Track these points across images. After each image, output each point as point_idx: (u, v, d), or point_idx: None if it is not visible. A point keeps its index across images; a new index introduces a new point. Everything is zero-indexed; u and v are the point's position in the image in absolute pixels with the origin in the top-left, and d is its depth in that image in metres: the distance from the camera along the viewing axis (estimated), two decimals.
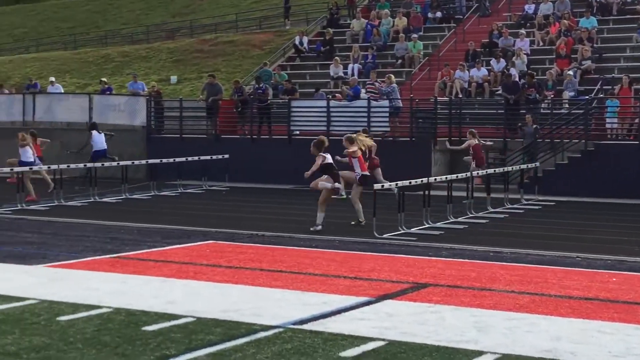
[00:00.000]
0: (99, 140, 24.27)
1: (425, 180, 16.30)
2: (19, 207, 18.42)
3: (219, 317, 8.17)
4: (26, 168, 20.18)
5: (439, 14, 32.13)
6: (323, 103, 25.52)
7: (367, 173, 16.02)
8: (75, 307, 8.52)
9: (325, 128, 24.82)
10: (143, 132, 28.15)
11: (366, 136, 16.56)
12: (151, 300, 8.97)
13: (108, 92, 30.73)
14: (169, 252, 12.65)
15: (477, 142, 20.83)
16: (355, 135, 16.13)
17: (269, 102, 26.93)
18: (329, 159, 15.40)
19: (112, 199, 20.59)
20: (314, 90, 27.55)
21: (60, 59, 44.05)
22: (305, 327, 7.81)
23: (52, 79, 33.05)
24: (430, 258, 12.26)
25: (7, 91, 33.67)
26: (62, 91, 32.27)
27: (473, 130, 21.29)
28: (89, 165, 22.03)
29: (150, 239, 13.98)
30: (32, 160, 21.14)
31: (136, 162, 24.10)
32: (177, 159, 23.51)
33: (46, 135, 29.48)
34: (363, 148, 16.07)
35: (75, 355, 6.73)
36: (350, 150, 15.67)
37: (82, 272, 10.76)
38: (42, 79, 36.97)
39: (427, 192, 15.75)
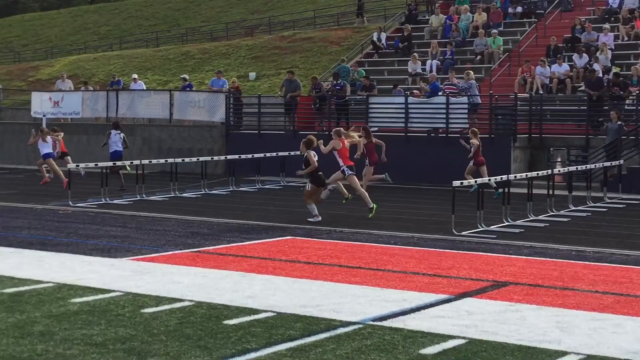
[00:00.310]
0: (114, 140, 23.11)
1: (504, 177, 16.14)
2: (103, 202, 18.83)
3: (298, 312, 8.22)
4: (109, 163, 20.66)
5: (519, 9, 31.67)
6: (401, 99, 25.42)
7: (350, 164, 16.52)
8: (159, 300, 8.68)
9: (403, 125, 24.74)
10: (222, 128, 28.48)
11: (359, 135, 17.73)
12: (231, 294, 9.08)
13: (188, 89, 31.16)
14: (247, 247, 12.78)
15: (478, 142, 20.40)
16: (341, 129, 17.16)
17: (346, 98, 26.96)
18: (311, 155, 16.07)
19: (192, 194, 20.89)
20: (392, 86, 27.46)
21: (142, 57, 44.86)
22: (385, 323, 7.81)
23: (135, 76, 33.69)
24: (510, 256, 12.11)
25: (91, 88, 34.45)
26: (144, 88, 32.86)
27: (475, 129, 21.09)
28: (170, 160, 22.38)
29: (229, 234, 14.14)
30: (52, 152, 22.94)
31: (215, 157, 24.41)
32: (256, 155, 23.71)
33: (128, 131, 30.13)
34: (348, 143, 16.72)
35: (159, 347, 6.85)
36: (328, 145, 16.49)
37: (164, 265, 10.95)
38: (124, 76, 37.73)
39: (506, 190, 15.58)
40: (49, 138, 23.15)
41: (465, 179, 18.52)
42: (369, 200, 16.30)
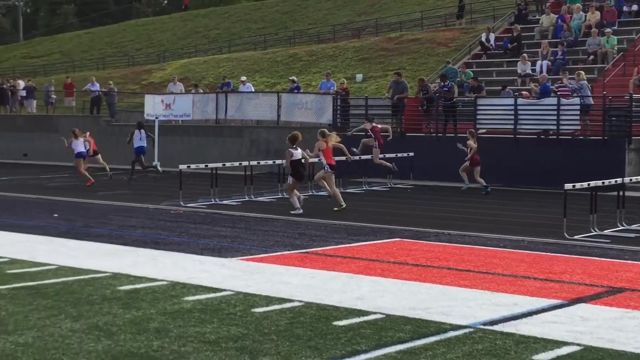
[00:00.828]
0: (137, 138, 26.32)
1: (619, 180, 15.68)
2: (213, 202, 19.18)
3: (407, 314, 8.18)
4: (219, 164, 21.02)
5: (635, 7, 30.72)
6: (510, 101, 25.00)
7: (332, 163, 18.32)
8: (269, 300, 8.78)
9: (512, 126, 24.34)
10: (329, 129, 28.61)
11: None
12: (340, 295, 9.11)
13: (296, 91, 31.45)
14: (355, 249, 12.80)
15: (475, 145, 21.48)
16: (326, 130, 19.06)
17: (454, 100, 26.70)
18: (297, 155, 17.74)
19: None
20: (500, 87, 27.04)
21: (250, 59, 45.51)
22: (496, 327, 7.69)
23: (243, 78, 34.22)
24: (625, 262, 11.76)
25: (201, 90, 35.17)
26: (253, 90, 33.33)
27: (472, 130, 22.27)
28: (277, 162, 22.62)
29: (337, 236, 14.19)
30: (84, 151, 25.18)
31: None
32: (363, 157, 23.73)
33: (236, 132, 30.62)
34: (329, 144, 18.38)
35: (270, 346, 6.93)
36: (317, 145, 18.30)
37: (273, 266, 11.07)
38: (234, 78, 38.34)
39: (621, 193, 15.13)
40: (80, 139, 25.13)
41: (460, 175, 21.82)
42: (340, 199, 17.93)
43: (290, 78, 33.49)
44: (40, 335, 7.12)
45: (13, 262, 10.94)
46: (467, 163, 21.56)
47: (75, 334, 7.20)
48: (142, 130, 26.55)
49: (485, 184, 21.37)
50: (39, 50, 71.12)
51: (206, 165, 21.56)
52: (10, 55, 71.64)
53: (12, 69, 61.14)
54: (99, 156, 26.48)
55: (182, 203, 18.78)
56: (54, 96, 39.70)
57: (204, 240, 13.51)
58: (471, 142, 21.50)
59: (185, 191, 19.42)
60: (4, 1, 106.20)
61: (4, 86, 39.77)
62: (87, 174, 24.63)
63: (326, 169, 18.31)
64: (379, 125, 24.35)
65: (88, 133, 26.41)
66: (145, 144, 26.51)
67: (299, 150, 17.96)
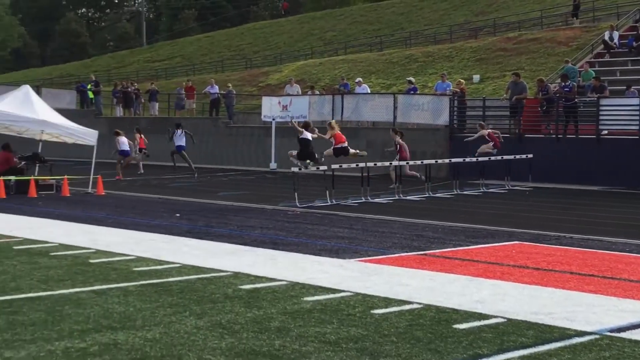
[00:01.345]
0: (177, 137, 29.20)
1: None
2: (329, 203, 19.31)
3: (529, 319, 8.02)
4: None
5: None
6: (635, 101, 24.24)
7: (339, 146, 20.93)
8: (388, 302, 8.77)
9: (637, 127, 23.57)
10: (446, 131, 28.39)
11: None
12: (459, 298, 9.02)
13: (412, 92, 31.32)
14: (474, 252, 12.64)
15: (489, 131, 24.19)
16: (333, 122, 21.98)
17: (575, 100, 26.05)
18: (305, 134, 20.46)
19: (415, 197, 20.97)
20: (624, 87, 26.24)
21: (366, 61, 45.60)
22: (623, 335, 7.45)
23: (359, 79, 34.30)
24: None
25: (317, 92, 35.44)
26: (369, 91, 33.38)
27: (482, 122, 25.07)
28: (395, 163, 22.56)
29: (454, 238, 14.06)
30: (128, 149, 28.66)
31: (439, 160, 24.38)
32: (480, 158, 23.44)
33: (353, 133, 30.70)
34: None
35: (390, 348, 6.92)
36: (329, 132, 21.20)
37: (391, 267, 11.05)
38: (349, 80, 38.50)
39: None
40: (123, 137, 28.56)
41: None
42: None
43: (408, 79, 33.39)
44: (167, 332, 7.32)
45: (139, 260, 11.29)
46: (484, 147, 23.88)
47: (200, 331, 7.38)
48: (181, 130, 29.31)
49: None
50: (161, 54, 73.24)
51: (317, 168, 21.73)
52: (134, 59, 74.06)
53: (136, 72, 63.15)
54: (141, 155, 30.46)
55: (298, 204, 18.97)
56: (186, 99, 40.76)
57: (322, 241, 13.61)
58: (483, 131, 24.17)
59: (302, 192, 19.62)
60: (128, 7, 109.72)
61: (129, 89, 41.10)
62: (120, 170, 28.02)
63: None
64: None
65: (138, 135, 30.30)
66: (184, 143, 29.09)
67: (309, 133, 20.59)
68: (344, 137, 21.27)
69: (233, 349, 6.80)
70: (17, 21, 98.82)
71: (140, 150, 30.54)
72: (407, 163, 23.25)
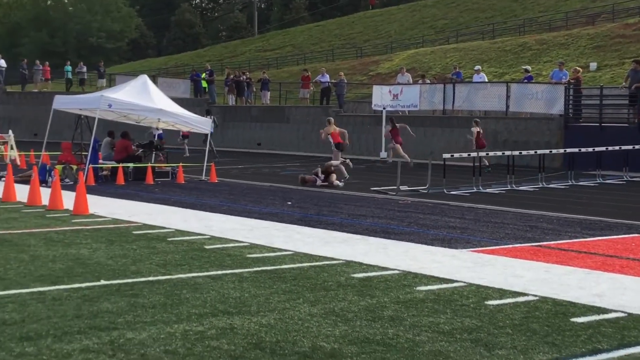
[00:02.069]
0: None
1: None
2: (442, 192, 19.15)
3: None
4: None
5: None
6: None
7: (339, 142, 24.07)
8: (502, 293, 8.64)
9: None
10: (560, 121, 27.75)
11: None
12: (577, 291, 8.81)
13: (526, 80, 30.72)
14: (590, 244, 12.32)
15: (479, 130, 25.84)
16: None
17: None
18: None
19: (529, 188, 20.59)
20: None
21: (478, 49, 44.98)
22: None
23: (478, 67, 33.80)
24: None
25: (428, 81, 35.17)
26: (486, 80, 32.91)
27: (477, 119, 26.77)
28: (506, 153, 22.21)
29: (570, 229, 13.73)
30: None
31: (553, 150, 23.85)
32: (596, 149, 22.81)
33: (463, 123, 30.34)
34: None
35: (505, 340, 6.82)
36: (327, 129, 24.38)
37: (504, 258, 10.88)
38: (461, 68, 38.06)
39: None
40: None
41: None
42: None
43: (524, 67, 32.77)
44: (281, 318, 7.42)
45: (252, 247, 11.47)
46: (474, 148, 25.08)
47: (314, 318, 7.44)
48: (211, 116, 30.28)
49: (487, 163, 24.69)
50: (272, 43, 74.08)
51: (410, 161, 21.60)
52: (246, 49, 75.16)
53: (248, 62, 64.07)
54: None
55: (400, 191, 18.90)
56: (301, 89, 40.67)
57: (433, 230, 13.52)
58: (475, 129, 25.77)
59: (413, 181, 19.52)
60: None
61: (241, 78, 41.72)
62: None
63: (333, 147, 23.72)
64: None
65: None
66: (211, 129, 28.79)
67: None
68: (339, 137, 24.26)
69: (346, 336, 6.84)
70: (134, 12, 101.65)
71: (183, 137, 32.63)
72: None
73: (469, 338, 6.85)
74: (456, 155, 21.08)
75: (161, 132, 28.88)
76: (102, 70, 48.77)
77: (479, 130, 26.08)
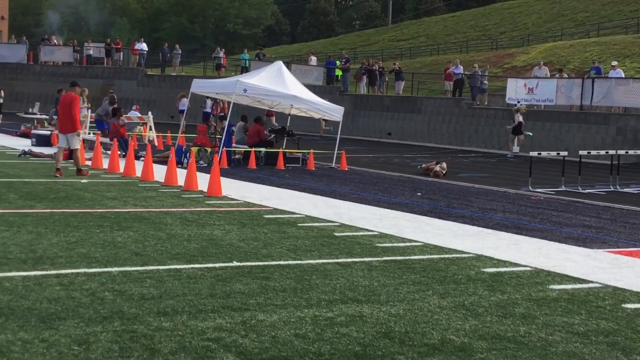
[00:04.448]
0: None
1: None
2: (573, 190, 18.64)
3: None
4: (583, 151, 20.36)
5: None
6: None
7: None
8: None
9: None
10: None
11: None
12: None
13: None
14: None
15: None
16: None
17: None
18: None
19: None
20: None
21: (621, 43, 43.45)
22: None
23: (614, 63, 32.71)
24: None
25: (566, 75, 34.20)
26: (623, 76, 31.78)
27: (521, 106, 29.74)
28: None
29: None
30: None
31: None
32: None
33: (601, 120, 29.38)
34: None
35: None
36: None
37: None
38: (601, 63, 36.86)
39: None
40: (185, 99, 29.06)
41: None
42: None
43: None
44: (410, 309, 7.37)
45: (382, 237, 11.45)
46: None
47: (443, 310, 7.36)
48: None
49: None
50: (405, 33, 73.74)
51: (558, 153, 21.02)
52: (379, 38, 75.10)
53: (381, 51, 63.99)
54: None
55: (530, 188, 18.50)
56: (445, 81, 39.60)
57: (567, 228, 13.16)
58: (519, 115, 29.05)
59: (544, 178, 19.06)
60: None
61: (374, 67, 41.73)
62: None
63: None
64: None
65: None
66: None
67: None
68: None
69: (477, 331, 6.74)
70: (271, 0, 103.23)
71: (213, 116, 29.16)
72: None
73: (605, 341, 6.63)
74: (593, 152, 20.46)
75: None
76: (262, 56, 49.08)
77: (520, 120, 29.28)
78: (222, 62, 48.28)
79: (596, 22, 53.98)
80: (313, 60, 45.63)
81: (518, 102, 31.90)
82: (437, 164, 22.06)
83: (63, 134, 17.75)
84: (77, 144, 17.81)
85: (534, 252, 10.74)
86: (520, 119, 29.49)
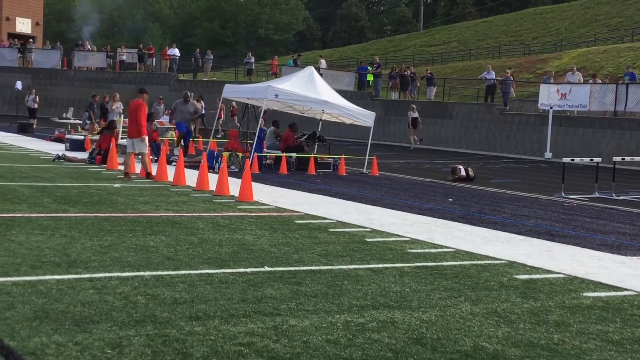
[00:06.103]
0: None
1: None
2: (607, 197, 18.46)
3: None
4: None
5: None
6: None
7: None
8: None
9: None
10: None
11: None
12: None
13: None
14: None
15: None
16: None
17: None
18: None
19: None
20: None
21: None
22: None
23: None
24: None
25: (599, 81, 33.93)
26: None
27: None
28: None
29: None
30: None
31: None
32: None
33: (636, 126, 29.08)
34: None
35: None
36: None
37: None
38: (635, 69, 36.49)
39: None
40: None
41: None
42: None
43: None
44: (442, 315, 7.33)
45: (413, 242, 11.41)
46: None
47: (475, 317, 7.32)
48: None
49: None
50: (437, 38, 73.48)
51: (591, 159, 20.79)
52: (410, 43, 74.90)
53: (412, 56, 63.84)
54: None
55: (563, 195, 18.33)
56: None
57: (601, 235, 13.03)
58: None
59: (577, 184, 18.90)
60: None
61: (406, 73, 41.65)
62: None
63: None
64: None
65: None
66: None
67: None
68: None
69: (510, 338, 6.69)
70: (302, 5, 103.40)
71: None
72: None
73: None
74: (627, 158, 20.25)
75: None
76: (298, 62, 49.28)
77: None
78: (272, 68, 49.17)
79: (630, 28, 53.48)
80: (322, 63, 45.80)
81: (550, 107, 31.66)
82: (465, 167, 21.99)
83: (130, 139, 18.28)
84: (145, 149, 18.28)
85: (567, 259, 10.65)
86: (415, 115, 33.76)
